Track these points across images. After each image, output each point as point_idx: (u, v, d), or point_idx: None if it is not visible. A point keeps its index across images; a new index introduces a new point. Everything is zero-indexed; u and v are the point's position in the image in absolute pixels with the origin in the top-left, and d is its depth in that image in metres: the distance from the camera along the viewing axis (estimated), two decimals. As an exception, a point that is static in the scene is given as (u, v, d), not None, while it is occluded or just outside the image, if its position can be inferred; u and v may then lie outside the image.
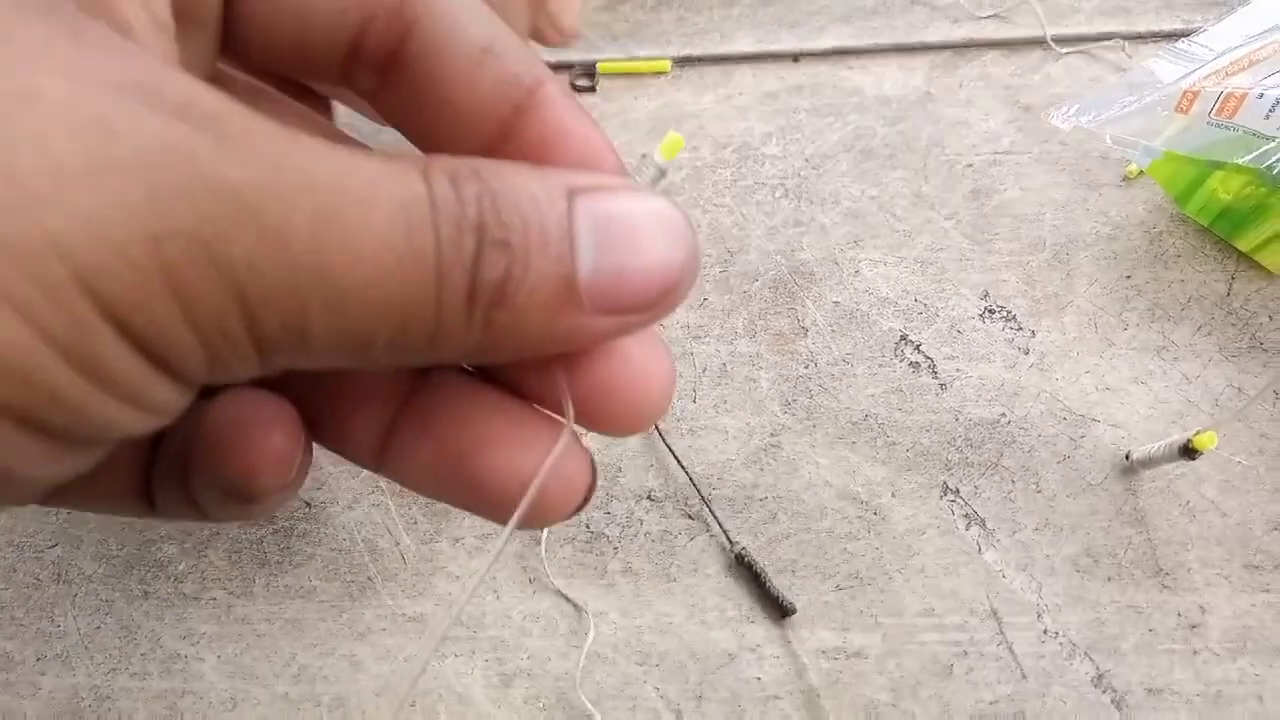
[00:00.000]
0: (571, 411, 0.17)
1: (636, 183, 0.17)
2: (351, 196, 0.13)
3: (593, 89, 0.42)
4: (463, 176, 0.14)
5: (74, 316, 0.11)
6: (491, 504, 0.17)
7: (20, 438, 0.12)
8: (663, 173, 0.21)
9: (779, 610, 0.30)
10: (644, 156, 0.24)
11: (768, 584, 0.30)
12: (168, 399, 0.13)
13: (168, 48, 0.15)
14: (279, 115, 0.15)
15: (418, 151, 0.18)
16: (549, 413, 0.17)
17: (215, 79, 0.18)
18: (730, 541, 0.31)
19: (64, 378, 0.11)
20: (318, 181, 0.12)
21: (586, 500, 0.18)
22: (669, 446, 0.33)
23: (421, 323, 0.14)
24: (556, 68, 0.42)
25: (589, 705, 0.29)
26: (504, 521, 0.16)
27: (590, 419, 0.17)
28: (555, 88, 0.18)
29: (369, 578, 0.32)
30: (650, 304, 0.16)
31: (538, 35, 0.35)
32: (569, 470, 0.17)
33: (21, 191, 0.10)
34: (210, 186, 0.12)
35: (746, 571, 0.31)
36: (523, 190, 0.15)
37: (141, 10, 0.14)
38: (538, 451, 0.17)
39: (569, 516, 0.18)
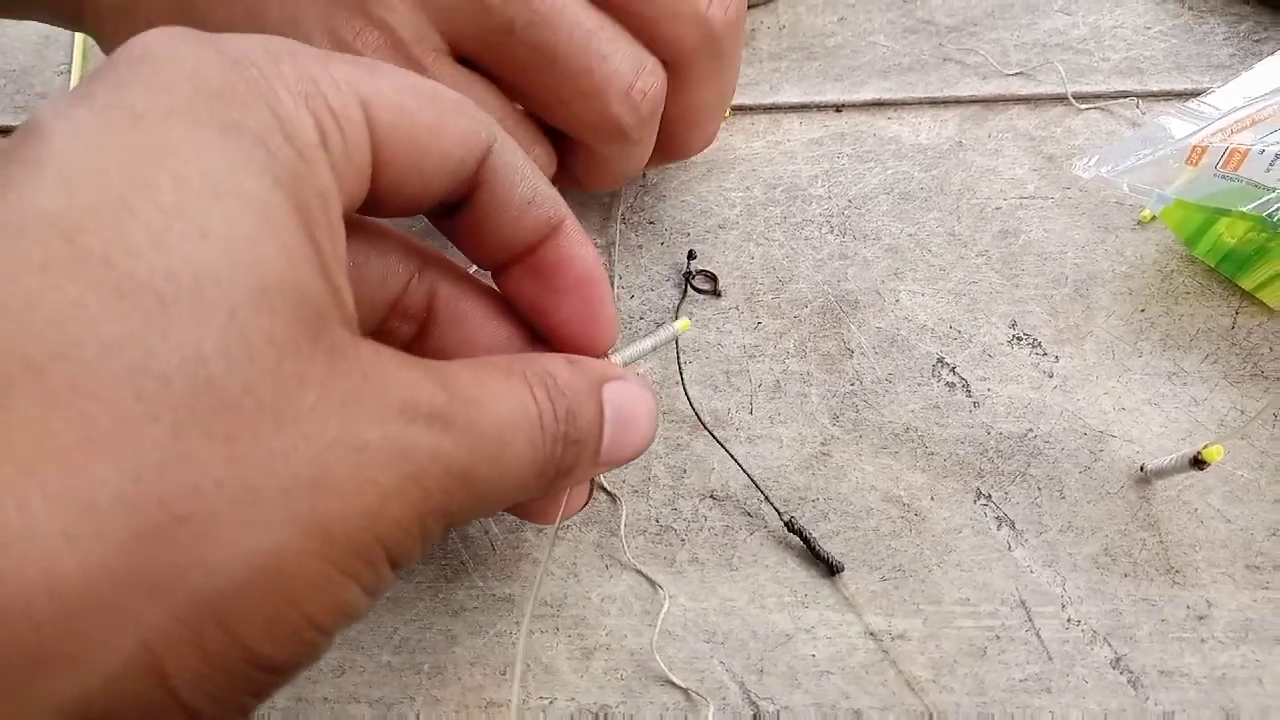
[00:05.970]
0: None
1: (660, 333, 0.31)
2: (504, 439, 0.20)
3: None
4: (551, 390, 0.22)
5: (379, 571, 0.18)
6: (535, 520, 0.30)
7: (328, 643, 0.18)
8: (674, 336, 0.31)
9: (828, 569, 0.34)
10: (663, 324, 0.34)
11: (815, 546, 0.34)
12: (391, 582, 0.20)
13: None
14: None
15: None
16: None
17: None
18: (779, 512, 0.35)
19: (363, 602, 0.18)
20: (490, 437, 0.20)
21: (587, 503, 0.31)
22: (720, 442, 0.37)
23: (524, 495, 0.22)
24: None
25: (665, 669, 0.32)
26: (544, 522, 0.30)
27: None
28: (572, 223, 0.26)
29: (461, 562, 0.36)
30: (630, 459, 0.26)
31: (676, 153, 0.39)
32: (576, 494, 0.29)
33: (365, 513, 0.17)
34: (448, 472, 0.19)
35: (797, 537, 0.34)
36: (581, 394, 0.23)
37: (348, 284, 0.20)
38: (559, 496, 0.28)
39: (577, 512, 0.31)
